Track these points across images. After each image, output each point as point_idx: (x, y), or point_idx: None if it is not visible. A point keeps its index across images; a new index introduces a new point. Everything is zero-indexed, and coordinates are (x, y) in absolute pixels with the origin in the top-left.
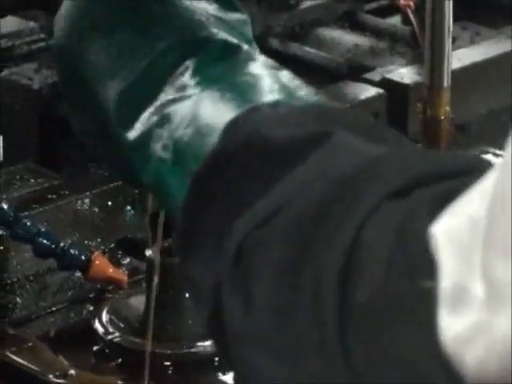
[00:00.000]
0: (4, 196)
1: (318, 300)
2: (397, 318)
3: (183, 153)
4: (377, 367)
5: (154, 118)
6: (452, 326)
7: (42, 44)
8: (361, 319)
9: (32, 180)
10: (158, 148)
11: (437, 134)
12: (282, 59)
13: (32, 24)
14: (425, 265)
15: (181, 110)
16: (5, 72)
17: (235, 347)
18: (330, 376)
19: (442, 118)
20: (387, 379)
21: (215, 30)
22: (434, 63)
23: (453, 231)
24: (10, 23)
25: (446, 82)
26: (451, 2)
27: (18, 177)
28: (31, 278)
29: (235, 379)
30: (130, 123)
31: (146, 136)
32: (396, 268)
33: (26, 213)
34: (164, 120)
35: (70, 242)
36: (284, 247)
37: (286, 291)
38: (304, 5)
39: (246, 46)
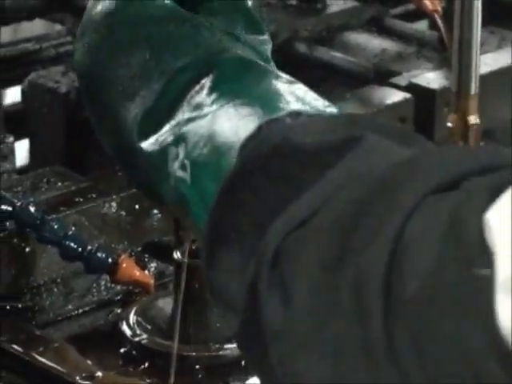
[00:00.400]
0: (31, 199)
1: (362, 297)
2: (451, 306)
3: (201, 172)
4: (428, 359)
5: (171, 138)
6: (509, 311)
7: (69, 47)
8: (410, 312)
9: (59, 183)
10: (175, 167)
11: (464, 141)
12: (309, 64)
13: (59, 27)
14: (481, 252)
15: (197, 129)
16: (32, 75)
17: (275, 348)
18: (375, 376)
19: (470, 125)
20: (441, 370)
21: (230, 48)
22: (461, 70)
23: (508, 218)
24: (38, 26)
25: (474, 88)
26: (480, 7)
27: (45, 180)
28: (58, 280)
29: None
30: (148, 141)
31: (164, 155)
32: (449, 257)
33: (53, 216)
34: (180, 139)
35: (96, 245)
36: (324, 246)
37: (327, 290)
38: (331, 9)
39: (261, 63)
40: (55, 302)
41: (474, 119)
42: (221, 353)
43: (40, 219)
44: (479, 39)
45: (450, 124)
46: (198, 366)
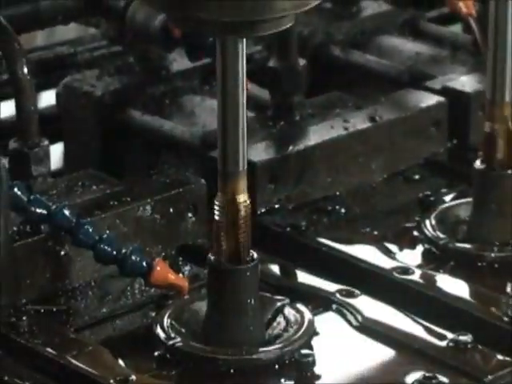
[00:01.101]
0: (66, 202)
1: None
2: None
3: None
4: None
5: None
6: None
7: (103, 51)
8: None
9: (94, 186)
10: None
11: (497, 148)
12: (344, 67)
13: (94, 31)
14: None
15: None
16: (67, 79)
17: None
18: None
19: (504, 132)
20: None
21: None
22: (495, 77)
23: None
24: (73, 30)
25: (509, 96)
26: None
27: (79, 183)
28: (93, 284)
29: None
30: None
31: None
32: None
33: (88, 219)
34: None
35: (131, 248)
36: None
37: None
38: (365, 13)
39: None
40: (90, 305)
41: (507, 127)
42: (255, 356)
43: (75, 222)
44: None
45: (487, 130)
46: (231, 369)
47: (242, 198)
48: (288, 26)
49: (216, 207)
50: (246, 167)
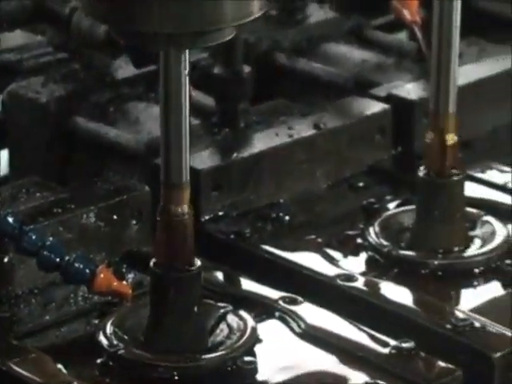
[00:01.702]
0: (10, 209)
1: None
2: None
3: None
4: None
5: None
6: None
7: (49, 58)
8: None
9: (38, 193)
10: None
11: (442, 158)
12: (289, 75)
13: (39, 38)
14: None
15: None
16: (12, 86)
17: None
18: None
19: (448, 144)
20: None
21: None
22: (439, 87)
23: None
24: (18, 37)
25: (452, 107)
26: (458, 20)
27: (24, 190)
28: (36, 291)
29: None
30: None
31: None
32: None
33: (32, 226)
34: None
35: (75, 255)
36: None
37: None
38: (311, 20)
39: None
40: (33, 313)
41: (451, 138)
42: (198, 363)
43: (18, 230)
44: (457, 54)
45: (428, 140)
46: (174, 376)
47: (185, 208)
48: (230, 37)
49: (159, 217)
50: (188, 178)
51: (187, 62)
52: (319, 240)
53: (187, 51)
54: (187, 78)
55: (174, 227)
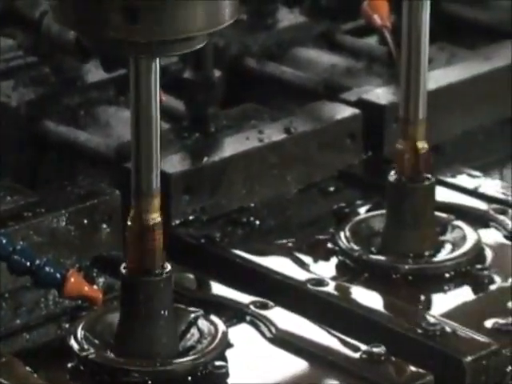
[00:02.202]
0: None
1: None
2: None
3: None
4: None
5: None
6: None
7: (19, 61)
8: None
9: (8, 197)
10: None
11: (413, 164)
12: (259, 79)
13: (9, 41)
14: None
15: None
16: None
17: None
18: None
19: (418, 150)
20: None
21: None
22: (409, 94)
23: None
24: None
25: (422, 114)
26: (427, 27)
27: None
28: (6, 295)
29: None
30: None
31: None
32: None
33: (2, 230)
34: None
35: (45, 259)
36: None
37: None
38: (281, 25)
39: None
40: (3, 317)
41: (422, 145)
42: (168, 367)
43: None
44: (427, 62)
45: (398, 147)
46: (144, 381)
47: (156, 216)
48: (202, 45)
49: (129, 224)
50: (159, 186)
51: (158, 69)
52: (290, 244)
53: (158, 59)
54: (158, 86)
55: (145, 235)
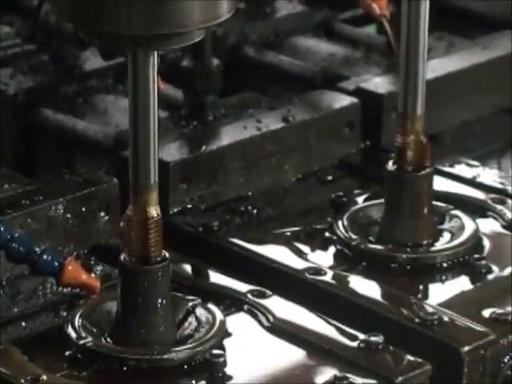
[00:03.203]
0: None
1: None
2: None
3: None
4: None
5: None
6: None
7: (17, 49)
8: None
9: (6, 185)
10: None
11: (412, 159)
12: (258, 68)
13: (7, 29)
14: None
15: None
16: None
17: None
18: None
19: (416, 144)
20: None
21: None
22: (407, 91)
23: None
24: None
25: (420, 109)
26: (427, 17)
27: None
28: (4, 283)
29: None
30: None
31: None
32: None
33: (0, 218)
34: None
35: (43, 247)
36: None
37: None
38: (280, 14)
39: None
40: (1, 305)
41: (420, 139)
42: (166, 356)
43: None
44: (426, 57)
45: (398, 142)
46: (142, 369)
47: (153, 210)
48: (199, 38)
49: (127, 216)
50: (157, 180)
51: (156, 62)
52: (288, 233)
53: (156, 53)
54: (155, 78)
55: (142, 228)
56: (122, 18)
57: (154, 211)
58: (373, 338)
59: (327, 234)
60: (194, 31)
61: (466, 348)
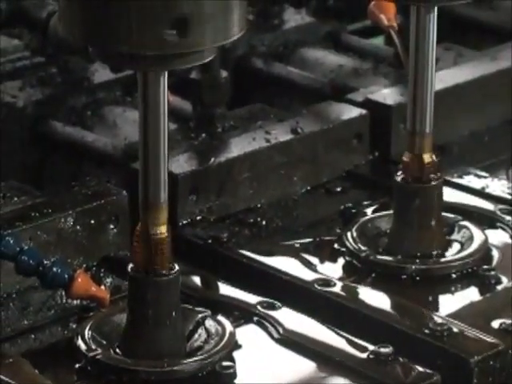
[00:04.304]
0: None
1: None
2: None
3: None
4: None
5: None
6: None
7: (26, 62)
8: None
9: (15, 198)
10: None
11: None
12: (266, 79)
13: (16, 42)
14: None
15: None
16: None
17: None
18: None
19: (426, 162)
20: None
21: None
22: (415, 108)
23: None
24: None
25: (429, 127)
26: (435, 29)
27: (1, 195)
28: (14, 295)
29: None
30: None
31: None
32: None
33: (9, 231)
34: None
35: (52, 260)
36: None
37: None
38: (288, 25)
39: None
40: (11, 317)
41: (428, 157)
42: (176, 368)
43: None
44: (434, 76)
45: (405, 159)
46: (152, 381)
47: (163, 228)
48: (211, 57)
49: (137, 233)
50: (166, 199)
51: (166, 82)
52: (297, 245)
53: (166, 72)
54: (166, 98)
55: (152, 244)
56: (133, 39)
57: (164, 229)
58: (382, 349)
59: (336, 246)
60: (206, 50)
61: (476, 358)
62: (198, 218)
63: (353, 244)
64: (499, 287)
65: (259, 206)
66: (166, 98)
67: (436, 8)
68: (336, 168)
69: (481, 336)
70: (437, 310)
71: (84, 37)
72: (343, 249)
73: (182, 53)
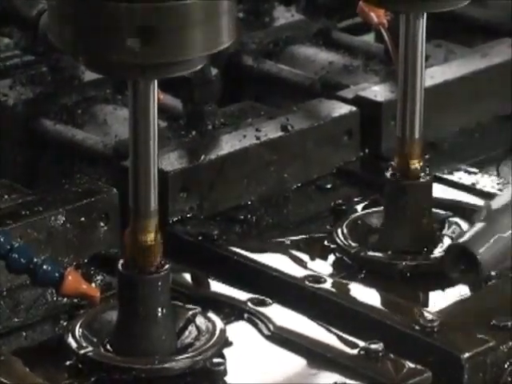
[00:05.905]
0: None
1: None
2: None
3: None
4: None
5: None
6: None
7: (16, 60)
8: None
9: (6, 196)
10: None
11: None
12: (256, 77)
13: (6, 40)
14: None
15: None
16: None
17: None
18: None
19: (415, 167)
20: None
21: None
22: (405, 115)
23: None
24: None
25: (418, 133)
26: (424, 45)
27: None
28: (4, 293)
29: None
30: None
31: None
32: None
33: (0, 229)
34: None
35: (43, 257)
36: None
37: None
38: (278, 23)
39: None
40: (1, 315)
41: (416, 163)
42: (166, 365)
43: None
44: (424, 82)
45: (394, 163)
46: (143, 378)
47: (152, 236)
48: (201, 66)
49: (126, 239)
50: (157, 208)
51: (156, 90)
52: (287, 242)
53: (156, 80)
54: (156, 106)
55: (141, 250)
56: (124, 48)
57: (153, 237)
58: (373, 346)
59: (327, 242)
60: (196, 59)
61: (466, 355)
62: (189, 215)
63: (343, 240)
64: (490, 283)
65: (250, 203)
66: (156, 106)
67: (425, 14)
68: (326, 165)
69: (471, 332)
70: (427, 306)
71: (73, 46)
72: (334, 245)
73: (172, 62)
